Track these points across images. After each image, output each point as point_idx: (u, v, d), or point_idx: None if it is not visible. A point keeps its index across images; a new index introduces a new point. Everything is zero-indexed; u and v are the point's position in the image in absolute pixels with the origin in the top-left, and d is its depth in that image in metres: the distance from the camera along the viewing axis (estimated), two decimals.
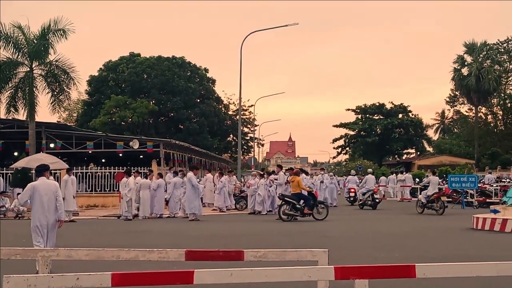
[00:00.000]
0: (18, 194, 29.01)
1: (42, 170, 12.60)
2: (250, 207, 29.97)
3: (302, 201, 24.79)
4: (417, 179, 45.73)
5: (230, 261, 5.95)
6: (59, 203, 12.24)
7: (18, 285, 4.57)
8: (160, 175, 29.47)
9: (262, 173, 32.71)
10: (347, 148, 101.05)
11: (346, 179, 49.85)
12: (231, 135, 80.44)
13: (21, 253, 6.01)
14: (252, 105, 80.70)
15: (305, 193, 25.35)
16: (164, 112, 71.39)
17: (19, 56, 35.70)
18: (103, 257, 6.02)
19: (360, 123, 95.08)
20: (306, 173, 36.28)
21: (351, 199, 36.60)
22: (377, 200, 32.57)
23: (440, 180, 33.69)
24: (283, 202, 24.99)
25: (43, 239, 11.98)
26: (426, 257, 13.27)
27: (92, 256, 6.02)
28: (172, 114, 72.15)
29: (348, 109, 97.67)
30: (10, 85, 36.10)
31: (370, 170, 39.32)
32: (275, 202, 29.28)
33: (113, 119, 64.65)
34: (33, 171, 27.53)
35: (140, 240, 18.02)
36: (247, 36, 44.02)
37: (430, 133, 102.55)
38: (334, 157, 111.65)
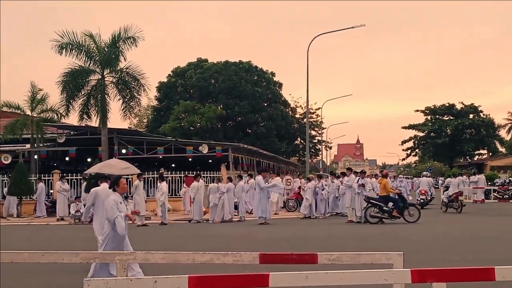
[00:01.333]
0: (76, 197, 29.86)
1: (102, 177, 14.15)
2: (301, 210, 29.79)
3: (391, 204, 24.58)
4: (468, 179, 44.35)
5: (302, 264, 5.96)
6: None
7: (98, 287, 4.67)
8: (230, 179, 29.67)
9: (331, 175, 32.55)
10: (417, 150, 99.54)
11: (415, 181, 49.08)
12: (299, 139, 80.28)
13: (99, 257, 6.16)
14: (319, 108, 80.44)
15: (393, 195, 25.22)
16: (231, 117, 71.88)
17: (91, 64, 36.52)
18: (179, 261, 6.11)
19: (430, 124, 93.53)
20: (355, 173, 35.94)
21: (422, 201, 35.94)
22: (463, 204, 31.83)
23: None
24: (370, 205, 24.80)
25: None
26: (503, 260, 12.93)
27: (168, 260, 6.12)
28: (239, 118, 72.57)
29: (417, 110, 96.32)
30: (82, 93, 36.96)
31: (425, 173, 38.87)
32: (327, 205, 29.22)
33: (182, 124, 65.48)
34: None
35: (210, 244, 18.18)
36: (314, 39, 43.96)
37: (503, 133, 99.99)
38: (403, 159, 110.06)
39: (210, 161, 43.82)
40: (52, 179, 34.33)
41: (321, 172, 53.47)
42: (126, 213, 10.21)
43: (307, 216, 28.57)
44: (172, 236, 21.43)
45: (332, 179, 31.09)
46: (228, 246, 16.63)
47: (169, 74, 73.63)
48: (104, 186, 13.40)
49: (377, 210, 24.50)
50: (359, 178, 26.50)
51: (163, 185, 27.78)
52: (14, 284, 11.77)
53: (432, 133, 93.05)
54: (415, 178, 57.10)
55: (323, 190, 29.21)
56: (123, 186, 10.63)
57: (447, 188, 30.09)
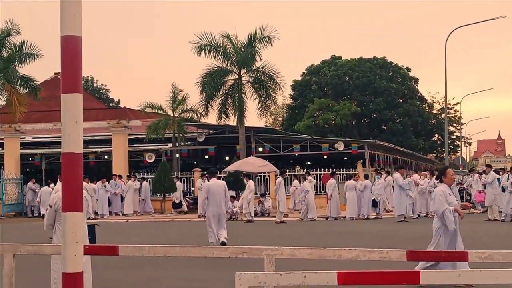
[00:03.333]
0: (232, 196, 30.57)
1: (212, 173, 17.03)
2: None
3: None
4: None
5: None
6: (226, 199, 16.56)
7: (249, 281, 4.80)
8: (366, 177, 29.44)
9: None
10: None
11: None
12: (436, 135, 78.16)
13: (247, 252, 6.34)
14: (457, 103, 77.94)
15: None
16: (366, 114, 71.11)
17: (228, 65, 37.41)
18: (325, 256, 6.18)
19: None
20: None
21: None
22: None
23: None
24: None
25: (215, 227, 16.12)
26: None
27: (314, 255, 6.20)
28: (374, 115, 71.66)
29: None
30: (220, 93, 37.94)
31: None
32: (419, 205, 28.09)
33: (317, 122, 65.57)
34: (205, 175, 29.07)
35: (350, 240, 18.13)
36: (451, 32, 42.66)
37: None
38: None
39: (345, 158, 43.61)
40: (193, 177, 35.53)
41: (460, 169, 51.91)
42: (455, 207, 9.75)
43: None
44: (310, 232, 21.55)
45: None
46: (369, 243, 16.53)
47: (303, 72, 73.90)
48: (215, 181, 16.30)
49: None
50: (508, 175, 25.40)
51: (251, 183, 28.28)
52: (169, 274, 12.32)
53: None
54: None
55: (435, 187, 28.10)
56: (451, 177, 10.28)
57: None
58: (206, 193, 16.29)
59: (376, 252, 6.01)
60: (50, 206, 8.72)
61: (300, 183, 29.97)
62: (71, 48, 4.27)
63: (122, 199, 33.05)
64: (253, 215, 27.72)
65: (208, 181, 17.33)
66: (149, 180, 34.49)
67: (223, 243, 15.94)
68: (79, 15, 4.27)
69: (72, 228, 4.27)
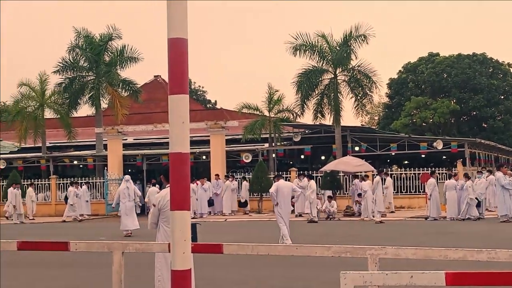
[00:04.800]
0: (328, 196, 30.50)
1: (278, 176, 19.31)
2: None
3: None
4: None
5: None
6: (294, 198, 18.73)
7: (354, 281, 4.76)
8: (466, 176, 28.63)
9: None
10: None
11: None
12: None
13: (351, 251, 6.29)
14: None
15: None
16: (465, 111, 69.21)
17: (323, 64, 37.31)
18: (430, 257, 6.04)
19: None
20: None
21: None
22: None
23: None
24: None
25: (286, 223, 17.39)
26: None
27: (419, 255, 6.08)
28: (474, 112, 69.66)
29: None
30: (316, 92, 37.84)
31: None
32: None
33: (414, 120, 64.44)
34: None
35: (448, 241, 17.70)
36: None
37: None
38: None
39: (444, 157, 42.62)
40: (290, 177, 35.65)
41: None
42: None
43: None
44: (409, 233, 21.20)
45: None
46: (471, 244, 16.08)
47: (400, 70, 72.73)
48: (282, 181, 18.09)
49: None
50: None
51: (312, 183, 28.16)
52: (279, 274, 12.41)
53: None
54: None
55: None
56: None
57: None
58: (276, 191, 17.58)
59: (484, 253, 5.83)
60: (154, 205, 8.94)
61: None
62: (177, 50, 4.36)
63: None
64: (315, 215, 27.78)
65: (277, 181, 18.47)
66: (247, 180, 34.99)
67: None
68: (185, 17, 4.35)
69: (180, 226, 4.36)
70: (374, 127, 65.29)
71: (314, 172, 34.92)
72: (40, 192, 37.74)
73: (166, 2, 4.29)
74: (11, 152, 45.42)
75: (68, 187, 35.53)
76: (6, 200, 35.63)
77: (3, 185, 38.00)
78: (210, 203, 33.46)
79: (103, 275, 10.24)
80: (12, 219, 32.70)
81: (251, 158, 36.94)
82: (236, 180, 34.68)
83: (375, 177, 29.51)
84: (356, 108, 37.91)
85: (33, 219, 34.53)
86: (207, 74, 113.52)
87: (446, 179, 29.52)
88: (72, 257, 13.78)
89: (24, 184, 36.54)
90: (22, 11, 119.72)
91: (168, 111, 4.32)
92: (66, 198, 34.39)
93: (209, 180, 34.38)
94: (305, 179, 29.53)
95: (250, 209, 34.05)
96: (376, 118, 78.77)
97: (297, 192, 19.30)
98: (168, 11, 4.29)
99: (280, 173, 27.79)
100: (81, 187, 34.59)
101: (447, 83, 68.07)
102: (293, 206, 20.61)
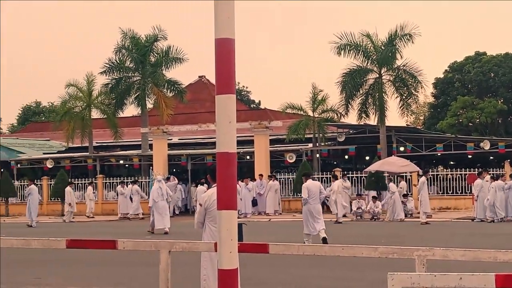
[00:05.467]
0: (373, 197, 30.29)
1: (308, 175, 19.54)
2: None
3: None
4: None
5: None
6: (321, 196, 18.96)
7: (402, 282, 4.73)
8: None
9: None
10: None
11: None
12: None
13: (397, 252, 6.24)
14: None
15: None
16: None
17: (368, 64, 37.07)
18: (480, 258, 5.96)
19: None
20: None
21: None
22: None
23: None
24: None
25: (316, 221, 17.98)
26: None
27: (468, 257, 6.00)
28: None
29: None
30: (361, 92, 37.61)
31: None
32: None
33: (460, 120, 63.58)
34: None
35: (495, 242, 17.41)
36: None
37: None
38: None
39: (491, 157, 41.90)
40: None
41: None
42: None
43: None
44: (457, 233, 20.92)
45: None
46: None
47: (446, 70, 71.83)
48: (311, 181, 18.67)
49: None
50: None
51: (335, 184, 28.16)
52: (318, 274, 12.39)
53: None
54: None
55: None
56: None
57: None
58: (307, 193, 18.24)
59: None
60: (200, 205, 8.99)
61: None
62: (225, 50, 4.38)
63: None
64: (340, 215, 27.88)
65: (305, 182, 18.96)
66: (290, 180, 34.96)
67: (324, 239, 17.70)
68: (232, 17, 4.37)
69: (227, 226, 4.39)
70: (419, 127, 64.57)
71: (359, 172, 34.76)
72: (86, 191, 38.26)
73: (213, 2, 4.31)
74: (58, 152, 46.23)
75: (117, 185, 36.28)
76: (57, 199, 36.57)
77: (50, 184, 38.71)
78: (254, 203, 33.56)
79: (149, 273, 10.33)
80: (66, 218, 33.19)
81: (295, 158, 36.87)
82: (277, 180, 34.77)
83: (420, 177, 29.19)
84: (401, 108, 37.57)
85: (92, 217, 35.32)
86: (251, 74, 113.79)
87: (493, 180, 28.99)
88: (112, 255, 13.98)
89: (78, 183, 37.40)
90: (70, 12, 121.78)
91: (212, 111, 4.35)
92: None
93: (252, 180, 34.46)
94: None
95: (294, 209, 33.99)
96: (422, 118, 77.90)
97: (323, 194, 19.83)
98: (216, 11, 4.32)
99: (308, 172, 28.00)
100: (126, 186, 34.96)
101: (494, 82, 66.98)
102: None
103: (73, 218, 33.11)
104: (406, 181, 33.87)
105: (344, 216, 30.40)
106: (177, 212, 34.87)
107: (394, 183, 30.13)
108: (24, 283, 12.33)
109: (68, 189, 33.55)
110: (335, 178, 28.83)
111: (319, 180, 34.08)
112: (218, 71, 4.40)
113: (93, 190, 37.12)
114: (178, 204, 36.09)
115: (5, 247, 8.19)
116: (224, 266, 4.35)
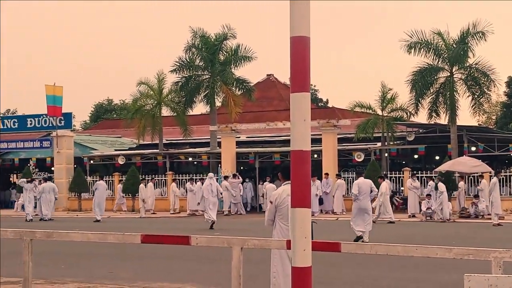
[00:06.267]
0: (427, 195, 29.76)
1: (359, 173, 20.56)
2: None
3: None
4: None
5: None
6: (372, 194, 19.36)
7: (479, 284, 4.67)
8: None
9: None
10: None
11: None
12: None
13: (473, 253, 6.13)
14: None
15: None
16: None
17: (439, 62, 36.41)
18: None
19: None
20: None
21: None
22: None
23: None
24: None
25: (363, 220, 18.50)
26: None
27: None
28: None
29: None
30: (431, 91, 36.97)
31: None
32: None
33: None
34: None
35: None
36: None
37: None
38: None
39: None
40: (403, 176, 35.09)
41: None
42: None
43: None
44: None
45: None
46: None
47: None
48: (361, 179, 19.20)
49: None
50: None
51: (382, 185, 27.00)
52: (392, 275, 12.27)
53: None
54: None
55: None
56: None
57: None
58: (358, 190, 18.66)
59: None
60: (271, 202, 9.01)
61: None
62: (300, 49, 4.40)
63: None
64: (376, 215, 27.21)
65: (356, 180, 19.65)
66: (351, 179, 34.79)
67: (359, 239, 17.90)
68: (307, 15, 4.38)
69: (300, 224, 4.40)
70: (491, 127, 63.03)
71: (428, 172, 34.20)
72: (156, 188, 38.90)
73: (288, 2, 4.34)
74: (130, 149, 47.08)
75: (186, 182, 36.79)
76: (128, 194, 37.40)
77: (121, 180, 39.49)
78: (320, 201, 33.44)
79: (222, 270, 10.42)
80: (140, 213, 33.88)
81: (363, 157, 36.57)
82: (343, 179, 34.60)
83: (492, 178, 28.52)
84: (473, 107, 36.77)
85: (178, 212, 36.16)
86: (319, 73, 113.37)
87: None
88: (181, 251, 14.17)
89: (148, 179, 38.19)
90: (143, 11, 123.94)
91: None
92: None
93: (319, 179, 34.32)
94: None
95: None
96: (494, 117, 76.03)
97: (374, 192, 19.96)
98: (291, 10, 4.34)
99: (360, 170, 27.89)
100: (195, 183, 35.37)
101: None
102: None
103: (150, 212, 34.10)
104: (477, 183, 33.23)
105: (413, 216, 29.99)
106: (240, 212, 35.18)
107: (465, 183, 29.58)
108: (99, 276, 12.64)
109: (141, 186, 34.26)
110: (382, 178, 28.16)
111: (389, 180, 33.95)
112: (294, 69, 4.42)
113: (176, 186, 37.81)
114: (242, 202, 36.33)
115: (81, 240, 8.41)
116: (298, 264, 4.37)
